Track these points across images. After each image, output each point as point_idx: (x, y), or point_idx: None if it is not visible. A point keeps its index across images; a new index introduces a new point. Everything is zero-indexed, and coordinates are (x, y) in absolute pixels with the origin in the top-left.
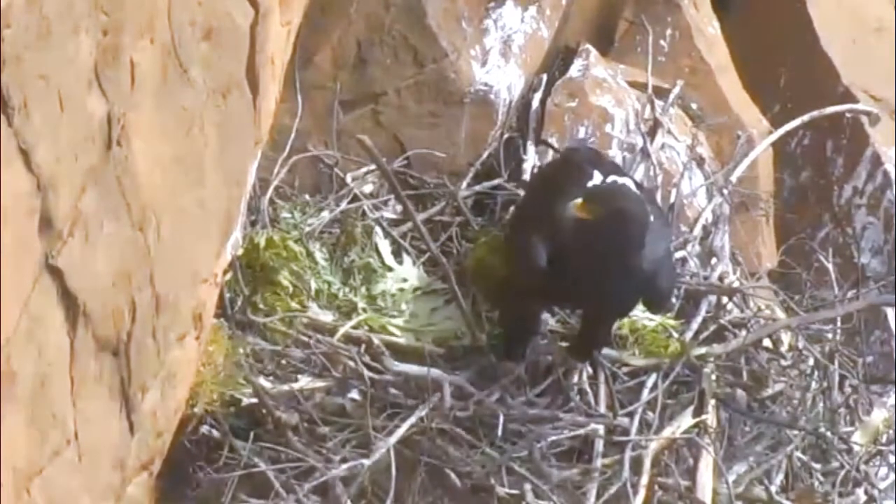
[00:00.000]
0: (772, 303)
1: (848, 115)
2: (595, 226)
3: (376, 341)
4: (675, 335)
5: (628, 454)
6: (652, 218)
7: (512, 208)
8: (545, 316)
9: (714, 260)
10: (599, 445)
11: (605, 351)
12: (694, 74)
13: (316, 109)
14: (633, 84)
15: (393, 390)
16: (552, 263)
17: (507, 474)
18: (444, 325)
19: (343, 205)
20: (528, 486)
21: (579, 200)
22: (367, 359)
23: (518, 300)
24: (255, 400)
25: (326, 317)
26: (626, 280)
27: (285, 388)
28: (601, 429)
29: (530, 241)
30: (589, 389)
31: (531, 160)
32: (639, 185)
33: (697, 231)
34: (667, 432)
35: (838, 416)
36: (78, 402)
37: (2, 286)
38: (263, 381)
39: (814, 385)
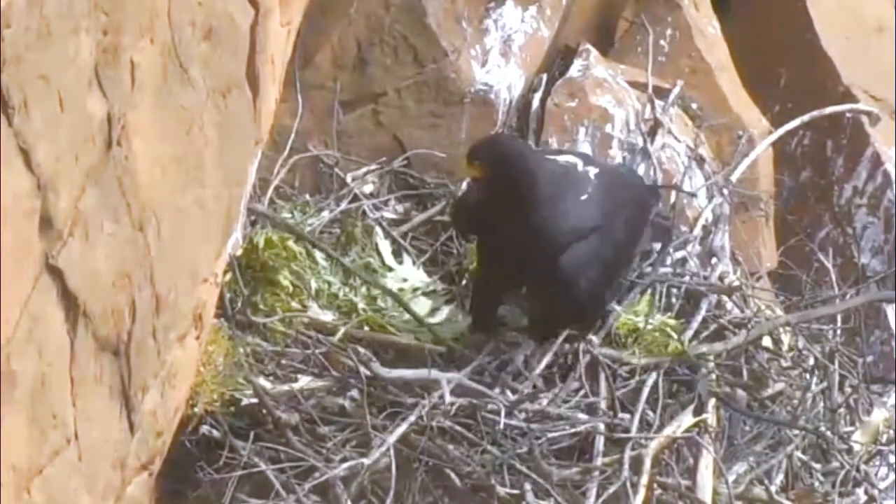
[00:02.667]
0: (772, 303)
1: (848, 115)
2: (485, 183)
3: (362, 350)
4: (675, 335)
5: (628, 453)
6: (586, 196)
7: None
8: None
9: (714, 260)
10: (600, 444)
11: (606, 350)
12: (694, 74)
13: (316, 109)
14: (633, 84)
15: (393, 388)
16: (480, 233)
17: (508, 473)
18: (444, 326)
19: (343, 205)
20: (528, 486)
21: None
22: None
23: (480, 277)
24: (255, 400)
25: (326, 317)
26: (531, 240)
27: (285, 388)
28: (601, 426)
29: (455, 211)
30: (588, 387)
31: None
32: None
33: (697, 231)
34: (667, 432)
35: (838, 416)
36: (78, 402)
37: (2, 286)
38: (263, 381)
39: (814, 385)
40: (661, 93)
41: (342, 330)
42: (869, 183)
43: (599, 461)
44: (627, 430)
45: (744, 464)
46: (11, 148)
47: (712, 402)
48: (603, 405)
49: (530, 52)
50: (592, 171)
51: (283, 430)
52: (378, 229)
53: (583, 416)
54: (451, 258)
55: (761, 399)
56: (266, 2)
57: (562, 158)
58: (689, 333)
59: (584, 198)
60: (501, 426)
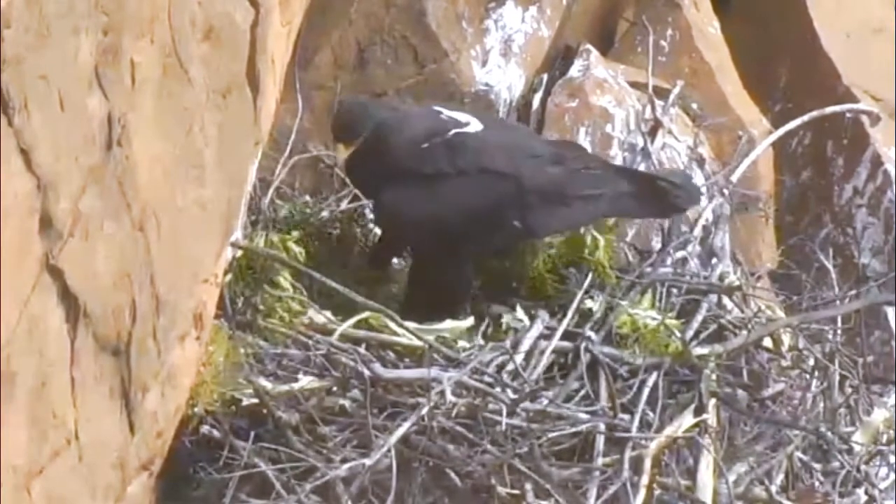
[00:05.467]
0: (772, 303)
1: (848, 115)
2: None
3: (362, 351)
4: (676, 334)
5: (628, 453)
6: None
7: None
8: None
9: (714, 260)
10: (600, 444)
11: (606, 349)
12: (694, 74)
13: (316, 109)
14: (633, 84)
15: (394, 388)
16: None
17: (508, 473)
18: (445, 325)
19: (343, 205)
20: (528, 486)
21: None
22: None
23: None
24: (255, 400)
25: (326, 317)
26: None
27: (285, 388)
28: (602, 426)
29: None
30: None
31: None
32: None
33: (698, 231)
34: (667, 432)
35: (838, 416)
36: (78, 402)
37: (2, 286)
38: (263, 381)
39: (814, 385)
40: (661, 93)
41: (340, 329)
42: (869, 183)
43: (600, 461)
44: (628, 430)
45: (744, 464)
46: (11, 148)
47: (712, 402)
48: (603, 405)
49: (530, 53)
50: (464, 130)
51: (284, 431)
52: (377, 230)
53: (583, 416)
54: None
55: (761, 399)
56: (266, 2)
57: (449, 114)
58: (690, 333)
59: (424, 146)
60: (503, 426)
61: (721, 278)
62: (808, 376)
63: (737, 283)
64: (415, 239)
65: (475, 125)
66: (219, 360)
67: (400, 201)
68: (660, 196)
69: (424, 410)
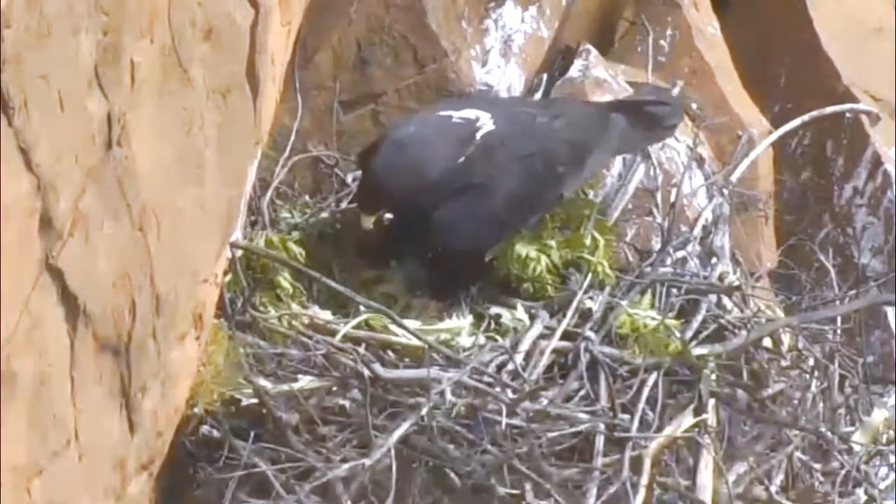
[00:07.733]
0: (772, 303)
1: (848, 115)
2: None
3: (362, 351)
4: (676, 334)
5: (628, 453)
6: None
7: None
8: None
9: (714, 260)
10: (600, 444)
11: (606, 349)
12: (694, 74)
13: (316, 109)
14: (633, 84)
15: (394, 388)
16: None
17: (508, 473)
18: (445, 325)
19: (343, 205)
20: (528, 486)
21: None
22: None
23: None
24: (255, 400)
25: (326, 317)
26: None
27: (285, 388)
28: (601, 426)
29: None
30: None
31: None
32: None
33: (697, 231)
34: (667, 432)
35: (838, 416)
36: (78, 402)
37: (2, 286)
38: (263, 381)
39: (814, 385)
40: None
41: (342, 331)
42: (869, 183)
43: (599, 461)
44: (627, 430)
45: (744, 464)
46: (11, 148)
47: (712, 402)
48: (603, 405)
49: (530, 53)
50: (485, 128)
51: (284, 431)
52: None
53: (583, 416)
54: None
55: (761, 399)
56: (266, 2)
57: (458, 115)
58: (689, 333)
59: (461, 160)
60: (503, 426)
61: (721, 278)
62: (807, 376)
63: (736, 283)
64: (476, 244)
65: (483, 117)
66: (219, 360)
67: (457, 217)
68: (651, 121)
69: (424, 410)
